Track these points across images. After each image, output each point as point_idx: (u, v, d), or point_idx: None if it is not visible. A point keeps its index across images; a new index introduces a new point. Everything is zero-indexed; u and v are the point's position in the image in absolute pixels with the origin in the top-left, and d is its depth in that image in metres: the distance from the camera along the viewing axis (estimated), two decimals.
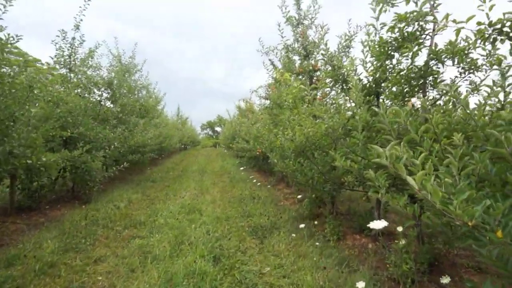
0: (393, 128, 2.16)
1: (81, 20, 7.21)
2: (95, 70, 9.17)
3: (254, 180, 10.08)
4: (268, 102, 10.94)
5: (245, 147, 10.37)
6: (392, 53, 3.73)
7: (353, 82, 3.49)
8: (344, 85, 4.72)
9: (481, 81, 3.51)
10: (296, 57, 7.22)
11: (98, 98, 9.31)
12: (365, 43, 4.24)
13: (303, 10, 7.07)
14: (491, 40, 2.26)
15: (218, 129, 68.59)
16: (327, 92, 6.88)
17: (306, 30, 7.00)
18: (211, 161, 18.22)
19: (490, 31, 2.20)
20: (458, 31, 2.45)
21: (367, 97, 4.11)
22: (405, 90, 3.63)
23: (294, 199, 7.17)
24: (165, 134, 15.33)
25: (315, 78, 6.95)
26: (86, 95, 8.47)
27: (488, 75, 3.61)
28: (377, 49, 3.88)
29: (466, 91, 3.30)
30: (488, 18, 2.26)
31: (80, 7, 7.10)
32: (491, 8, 2.24)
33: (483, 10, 2.29)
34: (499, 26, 2.17)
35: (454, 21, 2.45)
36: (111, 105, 9.87)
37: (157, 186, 9.30)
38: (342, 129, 3.56)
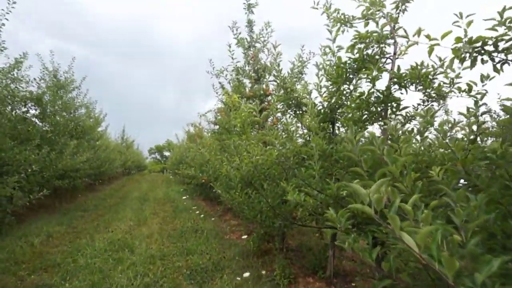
0: (364, 158, 1.71)
1: (3, 24, 6.28)
2: (20, 83, 8.11)
3: (199, 210, 9.33)
4: (217, 127, 10.47)
5: (190, 173, 9.66)
6: (351, 75, 3.41)
7: (308, 105, 3.08)
8: (297, 110, 4.34)
9: (439, 108, 3.28)
10: (246, 81, 6.83)
11: (23, 115, 8.21)
12: (321, 66, 3.93)
13: (255, 33, 6.76)
14: (471, 59, 1.93)
15: (167, 153, 66.37)
16: (279, 118, 6.52)
17: (258, 53, 6.67)
18: (155, 188, 17.09)
19: (468, 50, 1.86)
20: (431, 49, 2.12)
21: (321, 124, 3.74)
22: (363, 117, 3.29)
23: (241, 232, 6.56)
24: (103, 157, 14.10)
25: (266, 103, 6.57)
26: (7, 110, 7.38)
27: (443, 104, 3.40)
28: (334, 71, 3.55)
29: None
30: (466, 35, 1.95)
31: (1, 9, 6.20)
32: (469, 24, 1.93)
33: (459, 27, 1.98)
34: (479, 44, 1.85)
35: (427, 36, 2.13)
36: (39, 123, 8.77)
37: (88, 216, 8.22)
38: (294, 157, 3.10)
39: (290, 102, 4.40)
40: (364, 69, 3.13)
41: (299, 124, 4.99)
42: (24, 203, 6.12)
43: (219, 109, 10.19)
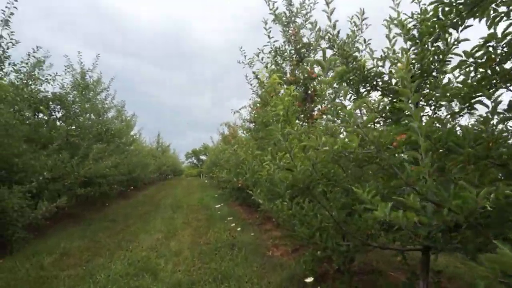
0: None
1: (12, 13, 5.59)
2: (42, 83, 7.50)
3: (236, 218, 8.31)
4: (252, 125, 9.47)
5: (224, 177, 8.70)
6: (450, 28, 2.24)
7: (404, 62, 1.92)
8: (363, 87, 3.18)
9: None
10: (287, 64, 5.73)
11: (46, 117, 7.60)
12: (395, 21, 2.83)
13: (295, 6, 5.65)
14: None
15: (203, 157, 66.48)
16: (327, 106, 5.37)
17: (300, 29, 5.56)
18: (190, 193, 16.35)
19: None
20: None
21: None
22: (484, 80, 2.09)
23: (286, 247, 5.45)
24: (135, 162, 13.49)
25: (311, 88, 5.44)
26: (25, 112, 6.73)
27: None
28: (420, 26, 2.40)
29: None
30: None
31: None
32: None
33: None
34: None
35: None
36: (64, 126, 8.14)
37: (114, 227, 7.44)
38: (384, 149, 1.96)
39: (353, 77, 3.26)
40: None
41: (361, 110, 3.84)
42: (36, 215, 5.33)
43: (254, 103, 9.16)
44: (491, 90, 2.02)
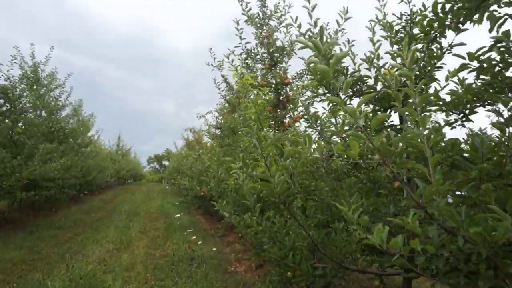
0: None
1: None
2: None
3: (197, 228, 7.81)
4: (218, 131, 9.09)
5: (186, 184, 8.19)
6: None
7: (406, 56, 1.62)
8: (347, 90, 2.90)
9: None
10: (258, 67, 5.41)
11: None
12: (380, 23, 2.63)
13: (269, 8, 5.36)
14: None
15: (166, 163, 64.71)
16: (300, 114, 5.10)
17: (273, 32, 5.26)
18: (149, 199, 15.54)
19: None
20: None
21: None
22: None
23: (250, 262, 5.06)
24: (91, 165, 12.59)
25: (283, 94, 5.13)
26: None
27: None
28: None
29: None
30: None
31: None
32: None
33: None
34: None
35: None
36: (7, 122, 7.30)
37: (61, 236, 6.71)
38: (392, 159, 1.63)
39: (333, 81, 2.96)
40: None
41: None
42: None
43: (221, 109, 8.78)
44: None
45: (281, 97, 5.09)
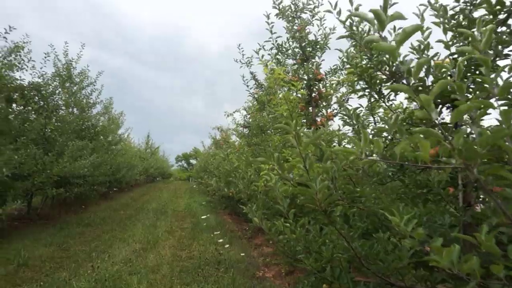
0: None
1: None
2: (18, 70, 6.83)
3: (224, 229, 7.65)
4: (246, 130, 8.92)
5: (213, 185, 8.05)
6: None
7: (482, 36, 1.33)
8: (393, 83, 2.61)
9: None
10: (290, 61, 5.15)
11: (18, 108, 6.90)
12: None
13: (301, 0, 5.10)
14: None
15: (193, 161, 65.49)
16: (334, 111, 4.80)
17: (306, 25, 4.99)
18: (176, 198, 15.61)
19: None
20: None
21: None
22: None
23: (279, 267, 4.82)
24: (120, 162, 12.73)
25: (315, 91, 4.85)
26: None
27: None
28: None
29: None
30: None
31: None
32: None
33: None
34: None
35: None
36: (41, 119, 7.42)
37: (89, 233, 6.73)
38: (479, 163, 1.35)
39: (375, 74, 2.70)
40: None
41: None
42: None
43: (249, 108, 8.58)
44: None
45: (313, 94, 4.81)
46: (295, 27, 5.00)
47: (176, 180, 43.51)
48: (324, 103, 4.80)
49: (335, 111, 4.66)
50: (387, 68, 2.59)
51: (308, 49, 4.92)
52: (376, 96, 2.81)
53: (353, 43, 2.75)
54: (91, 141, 9.47)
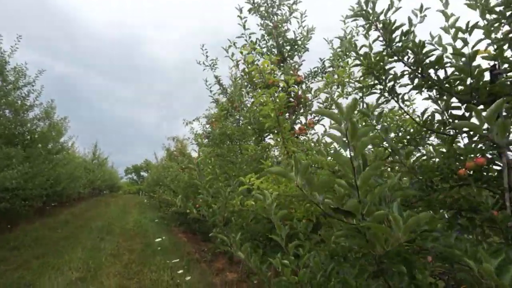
0: None
1: None
2: None
3: (180, 250, 6.77)
4: (206, 141, 8.23)
5: (170, 199, 7.16)
6: None
7: None
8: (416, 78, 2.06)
9: None
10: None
11: None
12: None
13: None
14: None
15: (144, 174, 62.68)
16: (314, 119, 4.24)
17: (283, 22, 4.44)
18: (125, 213, 14.29)
19: None
20: None
21: None
22: None
23: None
24: (61, 173, 11.33)
25: (292, 95, 4.27)
26: None
27: None
28: None
29: None
30: None
31: None
32: None
33: None
34: None
35: None
36: None
37: (15, 259, 5.55)
38: None
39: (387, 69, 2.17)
40: None
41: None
42: None
43: (211, 117, 7.87)
44: None
45: (290, 98, 4.23)
46: (270, 24, 4.43)
47: (125, 194, 41.27)
48: (302, 109, 4.24)
49: (316, 118, 4.09)
50: (410, 58, 2.05)
51: (286, 47, 4.36)
52: (387, 94, 2.26)
53: (366, 24, 2.17)
54: (24, 149, 8.19)
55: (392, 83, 2.18)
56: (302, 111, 4.37)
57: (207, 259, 6.22)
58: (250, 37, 4.31)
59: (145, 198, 22.97)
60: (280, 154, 3.28)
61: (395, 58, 2.05)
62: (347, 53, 3.95)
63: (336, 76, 3.62)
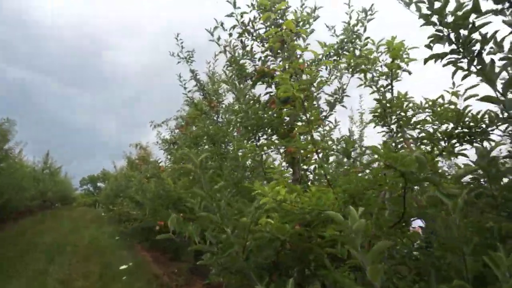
0: None
1: None
2: None
3: (145, 273, 5.79)
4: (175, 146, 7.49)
5: (134, 213, 6.17)
6: None
7: None
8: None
9: None
10: (257, 49, 3.79)
11: None
12: None
13: None
14: None
15: (102, 185, 59.43)
16: (322, 115, 3.58)
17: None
18: (79, 228, 12.82)
19: None
20: None
21: None
22: None
23: None
24: (3, 183, 9.88)
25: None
26: None
27: None
28: None
29: None
30: None
31: None
32: None
33: None
34: None
35: None
36: None
37: None
38: None
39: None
40: None
41: None
42: None
43: (188, 115, 7.05)
44: None
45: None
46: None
47: (81, 206, 38.64)
48: (306, 103, 3.52)
49: (324, 115, 3.40)
50: None
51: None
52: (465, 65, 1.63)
53: None
54: None
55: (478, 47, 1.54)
56: (306, 104, 3.66)
57: (178, 283, 5.29)
58: (242, 16, 3.57)
59: (102, 211, 21.26)
60: (304, 154, 2.53)
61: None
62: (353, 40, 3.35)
63: (352, 61, 2.95)
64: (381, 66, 2.53)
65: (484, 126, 2.00)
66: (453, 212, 1.00)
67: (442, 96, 2.16)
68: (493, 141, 1.99)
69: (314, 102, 3.08)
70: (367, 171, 2.46)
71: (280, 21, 3.53)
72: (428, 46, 1.57)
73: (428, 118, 2.17)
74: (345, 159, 3.07)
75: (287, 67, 2.18)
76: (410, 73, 2.41)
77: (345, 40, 3.43)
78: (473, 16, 1.41)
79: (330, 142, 2.78)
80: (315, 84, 3.63)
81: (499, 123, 1.92)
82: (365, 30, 3.08)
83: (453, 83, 2.20)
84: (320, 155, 2.05)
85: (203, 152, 4.02)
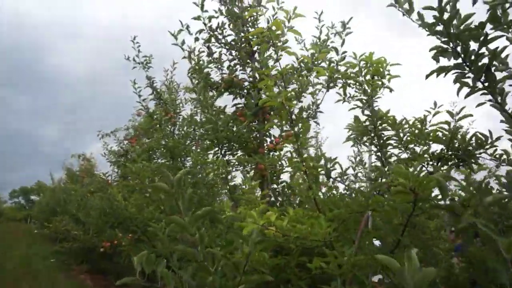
0: None
1: None
2: None
3: None
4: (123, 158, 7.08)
5: (74, 233, 5.49)
6: None
7: None
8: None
9: None
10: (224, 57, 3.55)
11: None
12: None
13: None
14: None
15: (35, 198, 54.88)
16: (290, 132, 3.40)
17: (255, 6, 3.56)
18: (7, 247, 11.48)
19: None
20: None
21: None
22: None
23: None
24: None
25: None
26: None
27: None
28: None
29: None
30: None
31: None
32: None
33: None
34: None
35: None
36: None
37: None
38: None
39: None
40: None
41: None
42: None
43: (141, 125, 6.63)
44: None
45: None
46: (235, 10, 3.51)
47: (10, 221, 35.30)
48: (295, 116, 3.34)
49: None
50: None
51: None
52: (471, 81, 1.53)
53: None
54: None
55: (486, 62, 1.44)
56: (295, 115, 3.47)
57: None
58: (210, 20, 3.33)
59: (35, 227, 19.41)
60: (290, 171, 2.31)
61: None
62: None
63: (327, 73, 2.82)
64: (362, 81, 2.42)
65: (470, 148, 1.93)
66: (507, 253, 0.82)
67: (425, 118, 2.07)
68: (481, 164, 1.94)
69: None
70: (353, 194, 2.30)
71: (251, 29, 3.36)
72: (435, 59, 1.44)
73: (413, 138, 2.07)
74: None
75: (272, 73, 1.96)
76: (391, 90, 2.32)
77: (315, 54, 3.32)
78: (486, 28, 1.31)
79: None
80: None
81: (487, 147, 1.87)
82: (343, 44, 2.97)
83: (435, 103, 2.14)
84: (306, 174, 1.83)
85: (161, 166, 3.65)
